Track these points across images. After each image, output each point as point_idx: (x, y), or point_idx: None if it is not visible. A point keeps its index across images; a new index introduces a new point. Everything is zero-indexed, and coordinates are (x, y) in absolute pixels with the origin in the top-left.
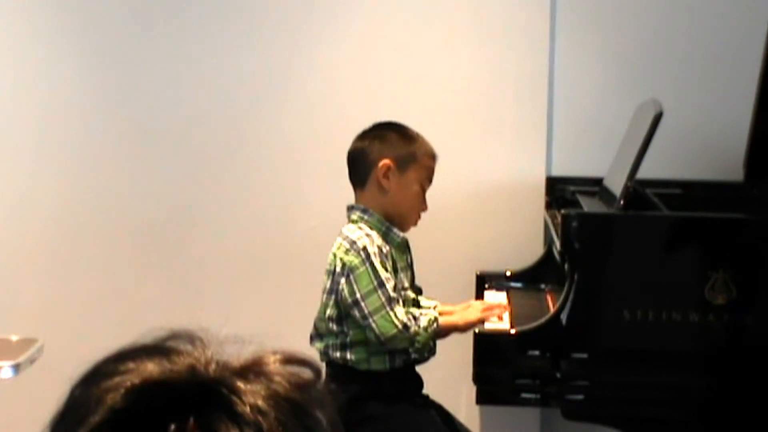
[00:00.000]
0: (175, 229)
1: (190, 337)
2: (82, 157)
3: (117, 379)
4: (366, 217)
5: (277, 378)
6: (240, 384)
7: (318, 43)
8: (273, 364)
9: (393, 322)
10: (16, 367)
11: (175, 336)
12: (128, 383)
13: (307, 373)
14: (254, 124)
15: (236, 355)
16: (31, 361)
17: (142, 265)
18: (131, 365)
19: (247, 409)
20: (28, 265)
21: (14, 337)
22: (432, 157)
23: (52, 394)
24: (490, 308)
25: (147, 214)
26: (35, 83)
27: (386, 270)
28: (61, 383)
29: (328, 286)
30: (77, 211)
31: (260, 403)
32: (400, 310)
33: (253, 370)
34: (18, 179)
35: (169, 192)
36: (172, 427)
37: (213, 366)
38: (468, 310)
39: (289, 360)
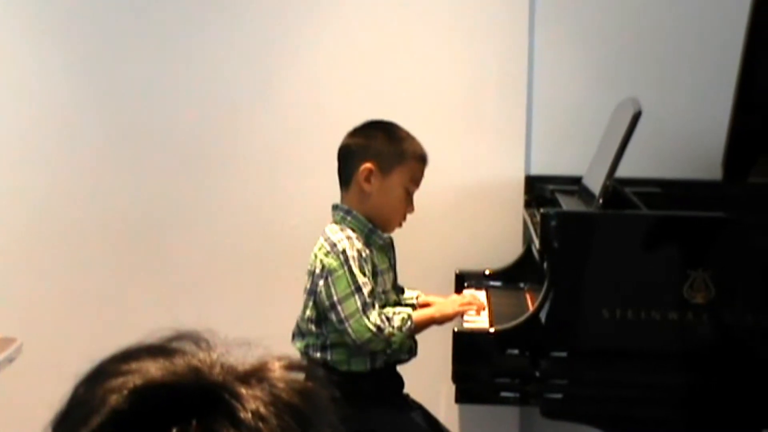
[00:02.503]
0: (157, 229)
1: (196, 339)
2: (65, 157)
3: (120, 380)
4: (348, 218)
5: (280, 384)
6: (242, 389)
7: (299, 43)
8: (277, 370)
9: (366, 326)
10: None
11: (180, 337)
12: (131, 384)
13: (310, 380)
14: (236, 123)
15: (242, 358)
16: (10, 360)
17: (124, 264)
18: (135, 365)
19: (249, 415)
20: (8, 263)
21: None
22: (420, 159)
23: (31, 393)
24: (469, 303)
25: (129, 213)
26: (20, 83)
27: (364, 274)
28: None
29: (308, 286)
30: (59, 210)
31: (262, 409)
32: (373, 314)
33: (256, 375)
34: (0, 178)
35: (152, 192)
36: (174, 430)
37: (217, 369)
38: (446, 304)
39: (293, 366)
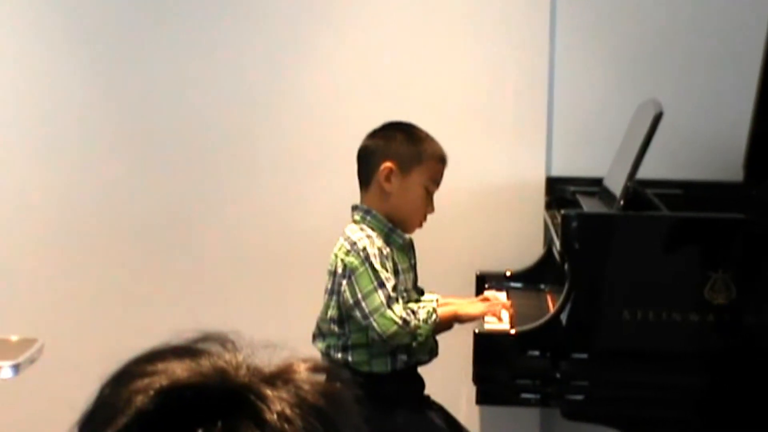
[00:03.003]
0: (176, 230)
1: (222, 340)
2: (82, 158)
3: (146, 381)
4: (368, 218)
5: (306, 386)
6: (268, 391)
7: (316, 44)
8: (302, 372)
9: (392, 318)
10: (16, 367)
11: (206, 338)
12: (157, 385)
13: (335, 382)
14: (253, 124)
15: (267, 360)
16: (31, 361)
17: (142, 265)
18: (161, 366)
19: (274, 416)
20: (28, 264)
21: (14, 337)
22: (440, 159)
23: (51, 394)
24: (493, 304)
25: (147, 214)
26: (34, 84)
27: (386, 270)
28: (61, 383)
29: (329, 286)
30: (77, 211)
31: (287, 410)
32: (398, 307)
33: (282, 377)
34: (18, 179)
35: (170, 192)
36: (199, 431)
37: (243, 371)
38: (469, 303)
39: (319, 368)
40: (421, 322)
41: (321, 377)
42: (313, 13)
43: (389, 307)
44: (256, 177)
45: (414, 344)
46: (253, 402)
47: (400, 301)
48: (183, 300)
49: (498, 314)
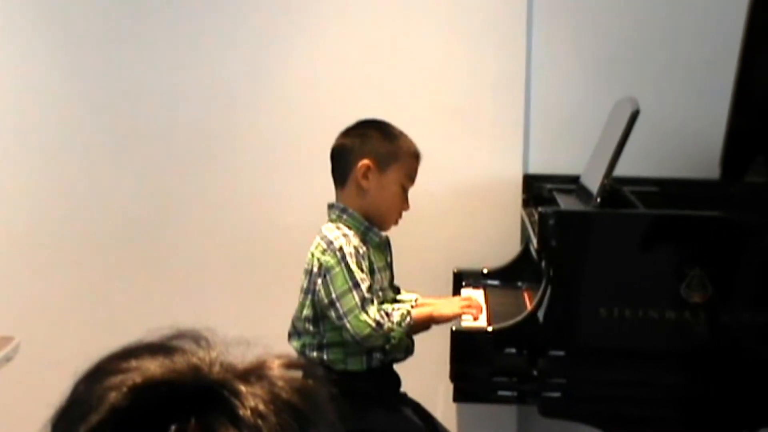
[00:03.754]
0: (154, 228)
1: (196, 337)
2: (61, 157)
3: (120, 377)
4: (345, 216)
5: (280, 382)
6: (242, 387)
7: (296, 42)
8: (276, 369)
9: (366, 321)
10: None
11: (180, 335)
12: (131, 382)
13: (310, 379)
14: (232, 123)
15: (241, 357)
16: (8, 359)
17: (121, 263)
18: (134, 363)
19: (248, 412)
20: (5, 262)
21: None
22: (415, 156)
23: (28, 392)
24: (468, 306)
25: (126, 212)
26: (14, 81)
27: (362, 270)
28: (38, 381)
29: (305, 285)
30: (56, 208)
31: (261, 407)
32: (372, 309)
33: (255, 373)
34: None
35: (149, 191)
36: (173, 427)
37: (216, 367)
38: (444, 304)
39: (292, 365)
40: (394, 325)
41: (295, 374)
42: (294, 12)
43: (363, 309)
44: (234, 175)
45: (387, 346)
46: (227, 398)
47: (375, 302)
48: (160, 298)
49: (474, 315)
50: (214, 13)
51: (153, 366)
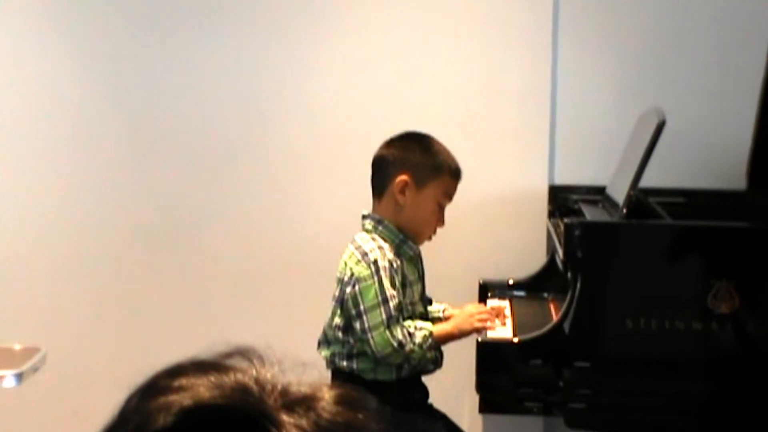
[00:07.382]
0: (180, 235)
1: (251, 357)
2: (86, 162)
3: (171, 398)
4: (380, 227)
5: (326, 415)
6: (285, 417)
7: (321, 50)
8: (326, 400)
9: (389, 340)
10: (19, 376)
11: (235, 353)
12: (178, 405)
13: (360, 413)
14: (258, 129)
15: (296, 379)
16: (34, 369)
17: (146, 272)
18: (185, 382)
19: None
20: (30, 272)
21: (17, 346)
22: (455, 174)
23: (54, 403)
24: (481, 318)
25: (151, 220)
26: (36, 83)
27: (393, 286)
28: (64, 392)
29: (337, 294)
30: (80, 217)
31: None
32: (398, 328)
33: (304, 403)
34: (19, 184)
35: (174, 197)
36: None
37: (266, 392)
38: (465, 319)
39: (344, 397)
40: (416, 347)
41: (344, 408)
42: (317, 19)
43: (389, 326)
44: (263, 183)
45: (406, 365)
46: (268, 429)
47: (401, 320)
48: (188, 307)
49: (494, 323)
50: (241, 21)
51: (203, 387)
